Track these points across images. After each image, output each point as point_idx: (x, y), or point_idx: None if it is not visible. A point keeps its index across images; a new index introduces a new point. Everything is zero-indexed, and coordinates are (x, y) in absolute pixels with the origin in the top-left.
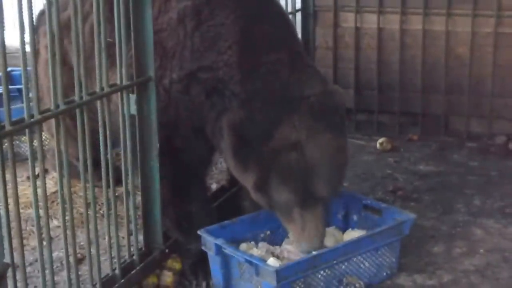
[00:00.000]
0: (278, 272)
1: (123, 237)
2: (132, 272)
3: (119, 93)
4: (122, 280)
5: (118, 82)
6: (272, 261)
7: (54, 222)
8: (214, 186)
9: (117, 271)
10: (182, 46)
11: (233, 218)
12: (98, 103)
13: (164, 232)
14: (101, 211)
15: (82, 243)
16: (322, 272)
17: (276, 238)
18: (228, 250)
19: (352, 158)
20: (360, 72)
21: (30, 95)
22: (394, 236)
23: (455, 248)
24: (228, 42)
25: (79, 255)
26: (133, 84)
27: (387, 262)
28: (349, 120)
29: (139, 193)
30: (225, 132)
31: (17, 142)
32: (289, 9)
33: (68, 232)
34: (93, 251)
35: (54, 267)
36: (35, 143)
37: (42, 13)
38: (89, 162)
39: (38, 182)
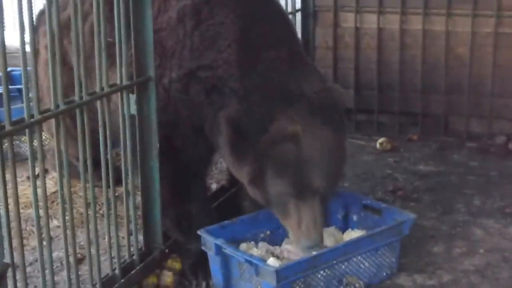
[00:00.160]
0: (278, 272)
1: (123, 237)
2: (132, 272)
3: (119, 93)
4: (122, 280)
5: (118, 82)
6: (272, 261)
7: (54, 222)
8: (214, 186)
9: (117, 271)
10: (181, 45)
11: (233, 218)
12: (98, 103)
13: (164, 232)
14: (101, 211)
15: (82, 243)
16: (322, 272)
17: (276, 238)
18: (228, 250)
19: (352, 158)
20: (360, 72)
21: (30, 95)
22: (394, 236)
23: (455, 248)
24: (227, 40)
25: (79, 255)
26: (133, 84)
27: (387, 262)
28: (349, 120)
29: (139, 193)
30: (222, 127)
31: (17, 142)
32: (289, 9)
33: (68, 232)
34: (93, 251)
35: (54, 267)
36: (35, 143)
37: (42, 13)
38: (89, 162)
39: (38, 182)
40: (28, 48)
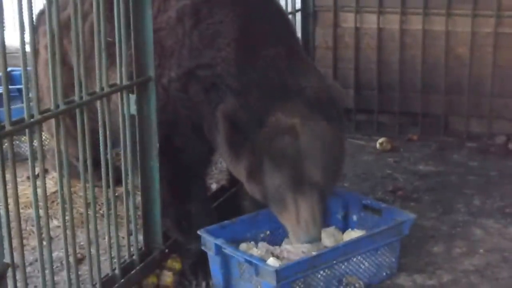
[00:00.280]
0: (278, 272)
1: (123, 237)
2: (132, 272)
3: (119, 93)
4: (122, 280)
5: (118, 82)
6: (272, 261)
7: (54, 222)
8: (214, 186)
9: (117, 271)
10: (180, 44)
11: (233, 218)
12: (98, 103)
13: (164, 232)
14: (101, 211)
15: (82, 243)
16: (322, 272)
17: (276, 238)
18: (228, 250)
19: (352, 158)
20: (360, 72)
21: (30, 95)
22: (394, 236)
23: (455, 248)
24: (227, 39)
25: (79, 255)
26: (133, 84)
27: (387, 262)
28: (349, 120)
29: (139, 193)
30: (219, 123)
31: (17, 142)
32: (289, 9)
33: (68, 232)
34: (93, 251)
35: (54, 267)
36: (35, 143)
37: (41, 13)
38: (89, 162)
39: (38, 182)
40: (28, 48)
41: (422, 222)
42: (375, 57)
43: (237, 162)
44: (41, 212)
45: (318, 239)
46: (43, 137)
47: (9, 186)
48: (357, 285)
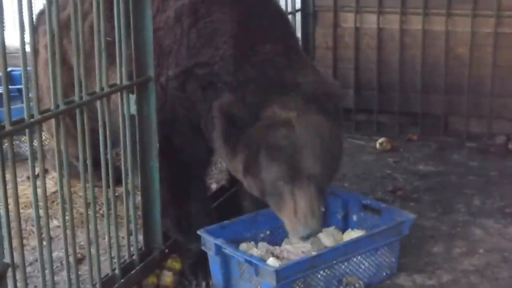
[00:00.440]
0: (278, 272)
1: (123, 237)
2: (132, 272)
3: (119, 93)
4: (122, 280)
5: (118, 82)
6: (272, 261)
7: (54, 222)
8: (214, 186)
9: (117, 271)
10: (178, 43)
11: (233, 218)
12: (98, 103)
13: (164, 232)
14: (101, 211)
15: (82, 243)
16: (321, 272)
17: (276, 238)
18: (228, 250)
19: (351, 158)
20: (360, 72)
21: (30, 95)
22: (393, 236)
23: (455, 248)
24: (224, 37)
25: (79, 255)
26: (133, 84)
27: (387, 262)
28: (349, 120)
29: (139, 193)
30: (215, 118)
31: (17, 142)
32: (289, 9)
33: (68, 232)
34: (93, 251)
35: (54, 267)
36: (35, 143)
37: (41, 13)
38: (89, 162)
39: (38, 182)
40: (28, 48)
41: (422, 222)
42: (375, 57)
43: (233, 157)
44: (41, 212)
45: (318, 231)
46: (43, 137)
47: (9, 186)
48: (357, 285)
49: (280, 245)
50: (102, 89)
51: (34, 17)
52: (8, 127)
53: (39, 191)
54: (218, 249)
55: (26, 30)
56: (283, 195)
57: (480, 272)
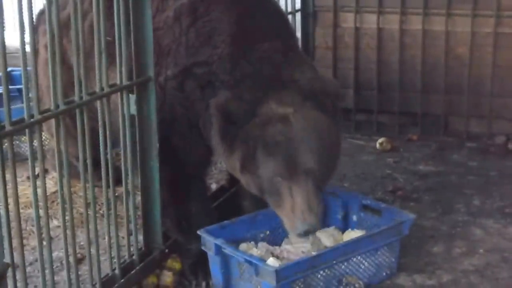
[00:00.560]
0: (278, 272)
1: (123, 237)
2: (132, 272)
3: (118, 93)
4: (122, 280)
5: (118, 82)
6: (271, 261)
7: (54, 222)
8: (214, 186)
9: (117, 271)
10: (177, 43)
11: (233, 218)
12: (98, 103)
13: (164, 232)
14: (101, 211)
15: (82, 243)
16: (321, 272)
17: (276, 238)
18: (228, 250)
19: (351, 158)
20: (359, 72)
21: (30, 95)
22: (393, 236)
23: (455, 248)
24: (222, 36)
25: (79, 255)
26: (133, 84)
27: (387, 262)
28: (349, 120)
29: (139, 193)
30: (212, 115)
31: (17, 142)
32: (289, 9)
33: (68, 232)
34: (93, 251)
35: (54, 267)
36: (35, 143)
37: (41, 13)
38: (89, 162)
39: (38, 182)
40: (28, 48)
41: (422, 222)
42: (375, 57)
43: (230, 154)
44: (41, 212)
45: (316, 227)
46: (43, 137)
47: (9, 186)
48: (357, 285)
49: (280, 245)
50: (102, 89)
51: (34, 17)
52: (8, 127)
53: (39, 191)
54: (218, 249)
55: (26, 30)
56: (281, 191)
57: (480, 272)
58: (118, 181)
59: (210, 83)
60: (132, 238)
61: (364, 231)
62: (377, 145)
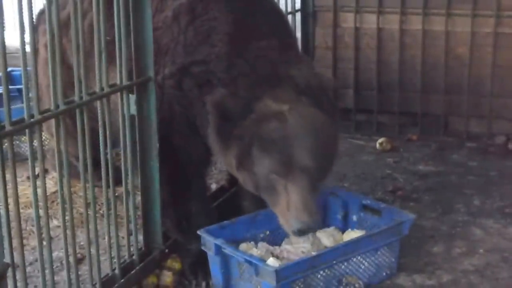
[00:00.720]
0: (278, 272)
1: (123, 237)
2: (132, 272)
3: (118, 93)
4: (122, 280)
5: (118, 82)
6: (271, 261)
7: (54, 222)
8: (214, 186)
9: (116, 271)
10: (175, 42)
11: (233, 218)
12: (98, 103)
13: (164, 232)
14: (101, 211)
15: (82, 243)
16: (321, 272)
17: (276, 238)
18: (228, 250)
19: (351, 158)
20: (359, 72)
21: (30, 95)
22: (393, 236)
23: (455, 248)
24: (220, 35)
25: (79, 255)
26: (133, 84)
27: (387, 262)
28: (349, 120)
29: (139, 193)
30: (209, 112)
31: (17, 142)
32: (289, 9)
33: (68, 232)
34: (93, 251)
35: (54, 267)
36: (35, 143)
37: (41, 12)
38: (89, 162)
39: (38, 182)
40: (28, 48)
41: (421, 222)
42: (374, 57)
43: (227, 151)
44: (41, 212)
45: (312, 225)
46: (43, 137)
47: (9, 186)
48: (356, 285)
49: (280, 245)
50: (102, 89)
51: (34, 17)
52: (8, 127)
53: (39, 191)
54: (218, 249)
55: (26, 30)
56: (276, 188)
57: (480, 272)
58: (118, 181)
59: (207, 82)
60: (132, 238)
61: (364, 231)
62: (377, 145)
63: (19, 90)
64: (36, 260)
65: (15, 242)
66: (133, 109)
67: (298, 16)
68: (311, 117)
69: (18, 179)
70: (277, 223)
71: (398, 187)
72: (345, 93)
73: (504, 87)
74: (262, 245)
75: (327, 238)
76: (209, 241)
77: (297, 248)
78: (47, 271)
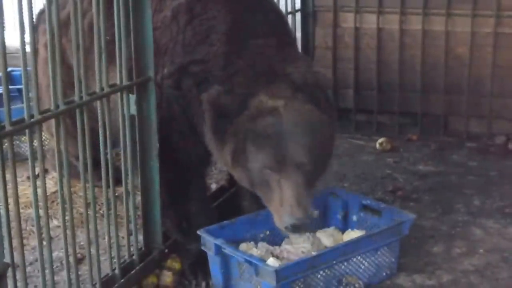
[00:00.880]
0: (278, 272)
1: (123, 237)
2: (132, 272)
3: (118, 93)
4: (122, 280)
5: (118, 82)
6: (271, 261)
7: (54, 222)
8: (214, 186)
9: (116, 271)
10: (174, 41)
11: (233, 218)
12: (98, 103)
13: (164, 232)
14: (101, 211)
15: (82, 243)
16: (321, 272)
17: (276, 238)
18: (228, 250)
19: (351, 158)
20: (359, 72)
21: (30, 95)
22: (393, 236)
23: (455, 248)
24: (218, 34)
25: (79, 255)
26: (133, 84)
27: (387, 262)
28: (349, 120)
29: (139, 193)
30: (204, 109)
31: (17, 142)
32: (289, 9)
33: (68, 232)
34: (93, 251)
35: (54, 267)
36: (35, 143)
37: (41, 12)
38: (89, 162)
39: (38, 182)
40: (28, 48)
41: (421, 222)
42: (374, 57)
43: (222, 148)
44: (41, 212)
45: (305, 222)
46: (43, 137)
47: (9, 186)
48: (356, 285)
49: (280, 245)
50: (102, 89)
51: (34, 17)
52: (8, 127)
53: (39, 191)
54: (218, 249)
55: (26, 30)
56: (270, 184)
57: (480, 272)
58: (118, 181)
59: (205, 81)
60: (132, 238)
61: (364, 231)
62: (377, 145)
63: (19, 90)
64: (36, 260)
65: (15, 242)
66: (133, 109)
67: (298, 16)
68: (306, 114)
69: (18, 179)
70: None
71: (398, 187)
72: (345, 93)
73: (504, 87)
74: (262, 245)
75: (327, 238)
76: (209, 241)
77: (297, 248)
78: (47, 271)
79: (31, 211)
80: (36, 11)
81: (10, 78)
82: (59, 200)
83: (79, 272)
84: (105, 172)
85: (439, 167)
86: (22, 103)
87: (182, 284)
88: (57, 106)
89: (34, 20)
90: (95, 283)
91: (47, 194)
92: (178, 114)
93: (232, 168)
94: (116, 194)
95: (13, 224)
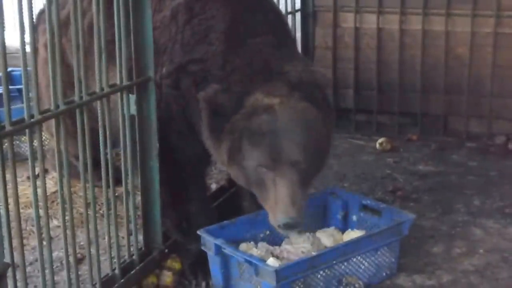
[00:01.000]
0: (278, 272)
1: (123, 237)
2: (132, 272)
3: (118, 93)
4: (122, 280)
5: (118, 82)
6: (271, 261)
7: (54, 222)
8: (214, 186)
9: (116, 271)
10: (173, 41)
11: (233, 218)
12: (98, 103)
13: (164, 232)
14: (101, 211)
15: (82, 243)
16: (321, 272)
17: (276, 238)
18: (228, 250)
19: (351, 158)
20: (359, 72)
21: (30, 95)
22: (393, 236)
23: (455, 248)
24: (217, 33)
25: (79, 255)
26: (133, 84)
27: (387, 262)
28: (349, 120)
29: (139, 193)
30: (201, 108)
31: (17, 142)
32: (289, 9)
33: (68, 232)
34: (93, 251)
35: (54, 267)
36: (35, 143)
37: (41, 12)
38: (89, 162)
39: (38, 182)
40: (28, 48)
41: (421, 222)
42: (374, 57)
43: (218, 146)
44: (41, 212)
45: (298, 221)
46: (43, 137)
47: (9, 186)
48: (356, 285)
49: (280, 245)
50: (102, 89)
51: (34, 17)
52: (8, 127)
53: (39, 191)
54: (218, 249)
55: (26, 30)
56: (265, 182)
57: (480, 272)
58: (118, 181)
59: (204, 80)
60: (132, 238)
61: (364, 231)
62: (377, 145)
63: (19, 90)
64: (36, 260)
65: (15, 242)
66: (133, 109)
67: (298, 16)
68: (302, 112)
69: (18, 179)
70: None
71: (398, 187)
72: (345, 93)
73: (504, 87)
74: (262, 245)
75: (327, 238)
76: (209, 241)
77: (297, 248)
78: (47, 271)
79: (31, 211)
80: (36, 11)
81: (10, 78)
82: (59, 200)
83: (79, 272)
84: (105, 172)
85: (439, 167)
86: (22, 103)
87: (182, 284)
88: (57, 106)
89: (34, 20)
90: (95, 283)
91: (47, 194)
92: (177, 113)
93: (228, 166)
94: (116, 194)
95: (13, 224)
